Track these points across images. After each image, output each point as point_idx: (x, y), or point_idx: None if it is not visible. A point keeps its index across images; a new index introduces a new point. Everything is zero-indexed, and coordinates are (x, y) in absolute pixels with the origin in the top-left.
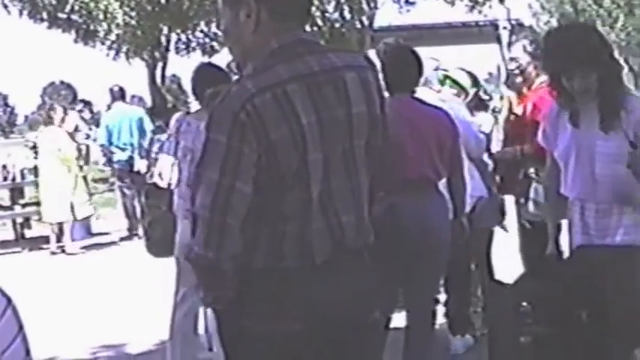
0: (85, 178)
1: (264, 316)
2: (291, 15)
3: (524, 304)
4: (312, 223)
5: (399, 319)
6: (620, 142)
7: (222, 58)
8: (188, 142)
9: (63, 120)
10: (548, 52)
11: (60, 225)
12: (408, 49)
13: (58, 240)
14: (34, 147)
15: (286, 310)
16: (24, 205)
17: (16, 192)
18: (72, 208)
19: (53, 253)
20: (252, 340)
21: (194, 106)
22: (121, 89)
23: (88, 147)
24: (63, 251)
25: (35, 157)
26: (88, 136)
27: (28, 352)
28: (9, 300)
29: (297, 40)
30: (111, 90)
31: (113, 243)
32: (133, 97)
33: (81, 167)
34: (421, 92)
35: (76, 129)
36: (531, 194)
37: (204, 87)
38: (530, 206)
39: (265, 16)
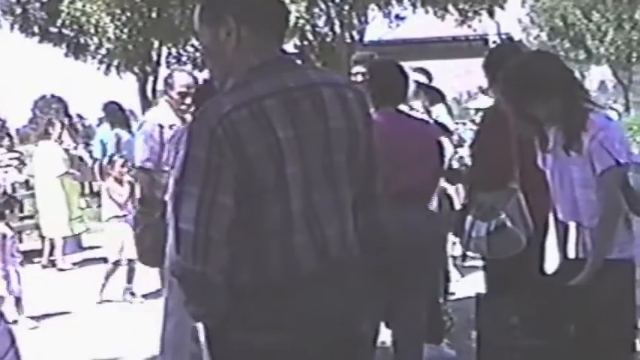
0: (78, 193)
1: (254, 328)
2: (271, 31)
3: (514, 317)
4: (295, 237)
5: (386, 335)
6: (587, 166)
7: None
8: None
9: (60, 135)
10: (508, 82)
11: (52, 239)
12: (393, 64)
13: (51, 253)
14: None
15: (276, 322)
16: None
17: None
18: (68, 223)
19: (44, 267)
20: (243, 352)
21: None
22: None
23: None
24: (54, 265)
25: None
26: (75, 148)
27: None
28: (1, 314)
29: (276, 57)
30: (105, 105)
31: (104, 258)
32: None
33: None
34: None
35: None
36: (467, 228)
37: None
38: (473, 246)
39: (245, 33)
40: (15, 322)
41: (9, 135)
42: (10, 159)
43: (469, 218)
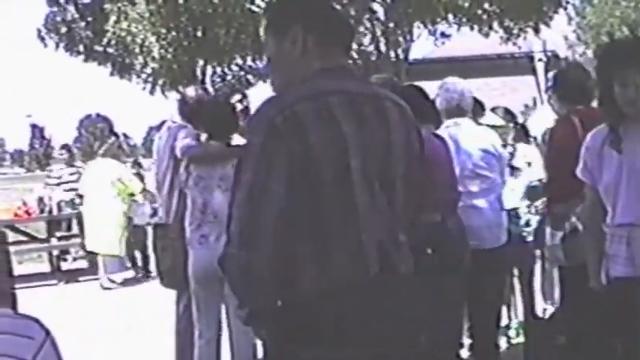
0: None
1: (313, 340)
2: (336, 42)
3: (561, 338)
4: (362, 235)
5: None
6: None
7: (258, 91)
8: (201, 171)
9: (116, 153)
10: (604, 59)
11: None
12: (413, 88)
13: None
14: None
15: (338, 334)
16: (60, 238)
17: (53, 224)
18: (119, 242)
19: (105, 287)
20: None
21: None
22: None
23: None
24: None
25: (70, 190)
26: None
27: None
28: (47, 332)
29: (339, 65)
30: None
31: (149, 275)
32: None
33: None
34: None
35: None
36: (546, 237)
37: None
38: (550, 254)
39: (311, 42)
40: None
41: (69, 150)
42: (71, 174)
43: (547, 229)
